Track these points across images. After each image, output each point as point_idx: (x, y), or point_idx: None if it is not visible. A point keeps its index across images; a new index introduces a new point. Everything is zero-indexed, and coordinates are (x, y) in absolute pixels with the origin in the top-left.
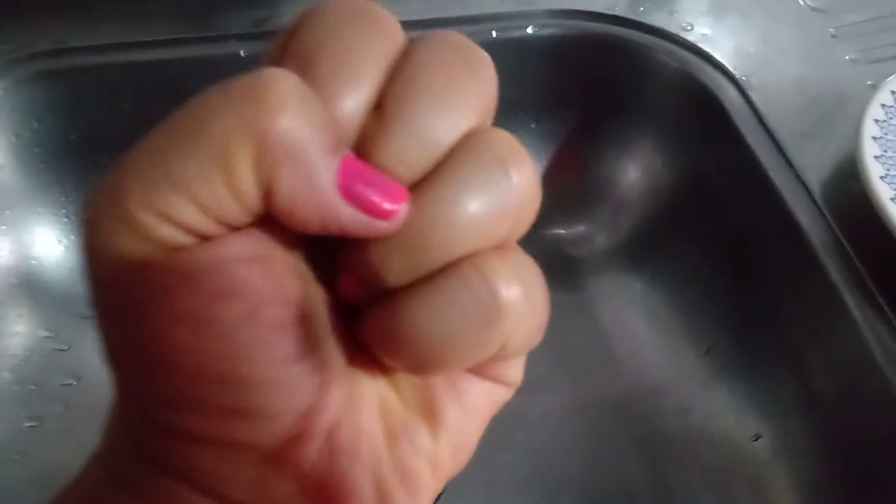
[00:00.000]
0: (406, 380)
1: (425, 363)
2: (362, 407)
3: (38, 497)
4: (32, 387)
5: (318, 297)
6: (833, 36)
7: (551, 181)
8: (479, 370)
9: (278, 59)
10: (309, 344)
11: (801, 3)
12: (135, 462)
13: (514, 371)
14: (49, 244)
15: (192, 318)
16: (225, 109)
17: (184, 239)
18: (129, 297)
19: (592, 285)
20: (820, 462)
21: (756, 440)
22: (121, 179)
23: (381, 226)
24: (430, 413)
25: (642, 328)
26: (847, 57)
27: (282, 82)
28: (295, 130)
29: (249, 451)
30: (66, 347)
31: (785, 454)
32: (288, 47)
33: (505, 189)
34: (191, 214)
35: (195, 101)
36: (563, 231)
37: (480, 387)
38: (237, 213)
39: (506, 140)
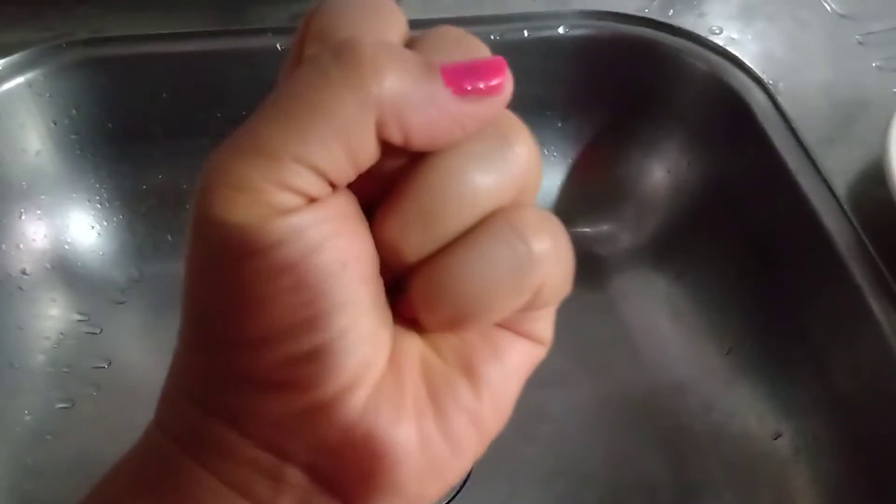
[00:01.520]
0: (445, 341)
1: (468, 314)
2: (405, 365)
3: (69, 476)
4: (65, 369)
5: None
6: (860, 43)
7: (577, 180)
8: (515, 326)
9: (298, 47)
10: (380, 298)
11: (829, 9)
12: (196, 419)
13: (546, 328)
14: (83, 229)
15: (296, 268)
16: (334, 90)
17: (295, 202)
18: (236, 253)
19: (617, 283)
20: (840, 461)
21: (776, 438)
22: (239, 153)
23: (501, 99)
24: (470, 371)
25: (666, 326)
26: (874, 64)
27: (367, 47)
28: (400, 80)
29: (310, 396)
30: (98, 331)
31: (805, 453)
32: (307, 29)
33: (508, 159)
34: (307, 180)
35: (295, 83)
36: (588, 229)
37: (517, 345)
38: (348, 172)
39: (505, 116)
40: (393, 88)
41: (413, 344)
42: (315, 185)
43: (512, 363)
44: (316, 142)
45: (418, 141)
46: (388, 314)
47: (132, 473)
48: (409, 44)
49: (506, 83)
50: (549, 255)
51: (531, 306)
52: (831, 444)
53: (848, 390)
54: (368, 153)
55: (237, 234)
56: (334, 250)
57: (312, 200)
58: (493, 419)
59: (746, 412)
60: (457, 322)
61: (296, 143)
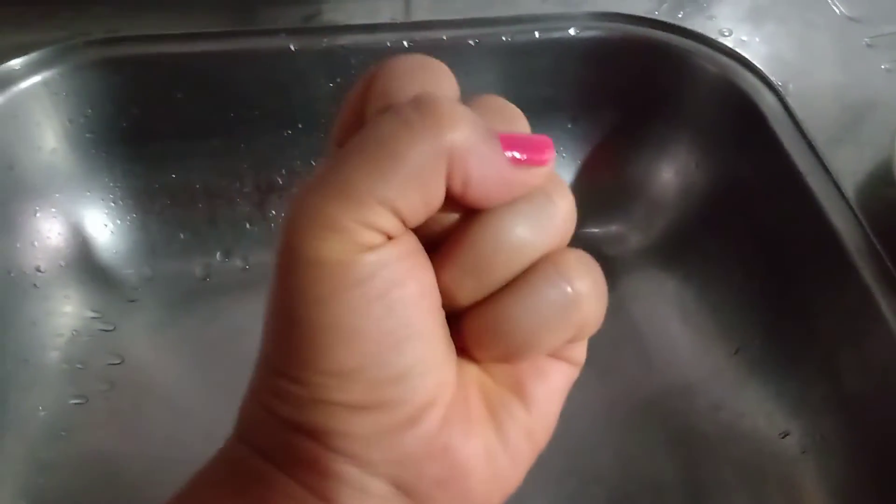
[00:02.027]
0: (497, 367)
1: (520, 350)
2: (468, 386)
3: (83, 471)
4: (79, 366)
5: None
6: (869, 45)
7: (587, 180)
8: (556, 352)
9: (360, 99)
10: (445, 325)
11: (838, 12)
12: (284, 436)
13: (581, 351)
14: (97, 227)
15: (385, 299)
16: (415, 137)
17: (378, 240)
18: (330, 288)
19: (626, 284)
20: (849, 460)
21: (784, 437)
22: (328, 196)
23: (545, 171)
24: (521, 391)
25: (674, 327)
26: (882, 66)
27: (446, 102)
28: (471, 135)
29: (396, 414)
30: (111, 328)
31: (814, 452)
32: (370, 92)
33: (551, 214)
34: (388, 221)
35: (378, 132)
36: (597, 230)
37: (557, 367)
38: (421, 214)
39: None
40: (464, 141)
41: (471, 370)
42: (393, 225)
43: (555, 383)
44: (397, 186)
45: (473, 194)
46: (451, 342)
47: (219, 484)
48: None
49: (551, 158)
50: (591, 293)
51: (574, 339)
52: (839, 443)
53: (856, 389)
54: (438, 198)
55: (329, 271)
56: (413, 282)
57: (390, 238)
58: (541, 432)
59: (755, 412)
60: (510, 356)
61: (380, 186)
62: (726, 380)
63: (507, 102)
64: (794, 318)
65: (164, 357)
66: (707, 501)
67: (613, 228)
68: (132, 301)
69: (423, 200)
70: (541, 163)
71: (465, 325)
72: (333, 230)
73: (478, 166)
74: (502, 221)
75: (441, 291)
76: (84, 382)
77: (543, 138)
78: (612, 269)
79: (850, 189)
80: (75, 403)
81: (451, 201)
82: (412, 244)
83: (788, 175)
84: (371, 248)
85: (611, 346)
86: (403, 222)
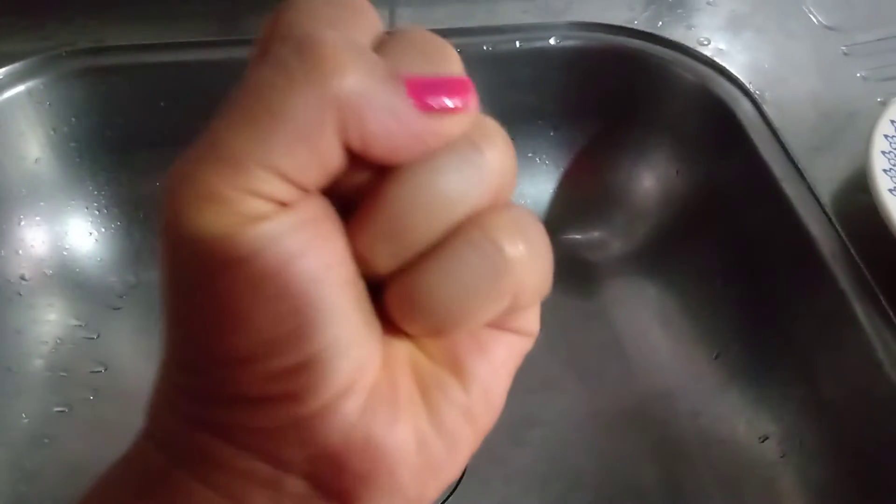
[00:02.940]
0: (432, 342)
1: (445, 324)
2: (395, 366)
3: (66, 479)
4: (62, 373)
5: None
6: (845, 54)
7: (569, 188)
8: (498, 323)
9: (266, 42)
10: (364, 301)
11: (815, 21)
12: (188, 434)
13: (532, 321)
14: (81, 236)
15: (278, 276)
16: (295, 88)
17: (266, 208)
18: (212, 266)
19: (607, 290)
20: (827, 464)
21: (764, 441)
22: (203, 162)
23: (464, 119)
24: (458, 368)
25: (655, 332)
26: (858, 74)
27: (331, 44)
28: (363, 81)
29: (306, 405)
30: (95, 336)
31: (793, 456)
32: (274, 29)
33: (478, 166)
34: (275, 186)
35: (257, 83)
36: (579, 236)
37: (502, 339)
38: (317, 176)
39: (477, 122)
40: (354, 89)
41: (401, 345)
42: (285, 191)
43: (498, 357)
44: (279, 145)
45: (377, 151)
46: (374, 317)
47: (124, 484)
48: (378, 44)
49: (470, 103)
50: (524, 257)
51: (511, 309)
52: (818, 446)
53: (833, 393)
54: (334, 157)
55: (210, 245)
56: (314, 255)
57: (284, 206)
58: (484, 414)
59: (734, 416)
60: (436, 331)
61: (258, 148)
62: (706, 385)
63: (433, 35)
64: (773, 324)
65: (148, 365)
66: None
67: (595, 235)
68: (116, 309)
69: (314, 161)
70: (456, 110)
71: (387, 297)
72: (211, 200)
73: (375, 117)
74: (418, 177)
75: (357, 259)
76: (68, 390)
77: (460, 79)
78: (594, 275)
79: (826, 196)
80: (59, 411)
81: (358, 158)
82: (315, 211)
83: (766, 182)
84: (258, 218)
85: (592, 351)
86: (298, 186)
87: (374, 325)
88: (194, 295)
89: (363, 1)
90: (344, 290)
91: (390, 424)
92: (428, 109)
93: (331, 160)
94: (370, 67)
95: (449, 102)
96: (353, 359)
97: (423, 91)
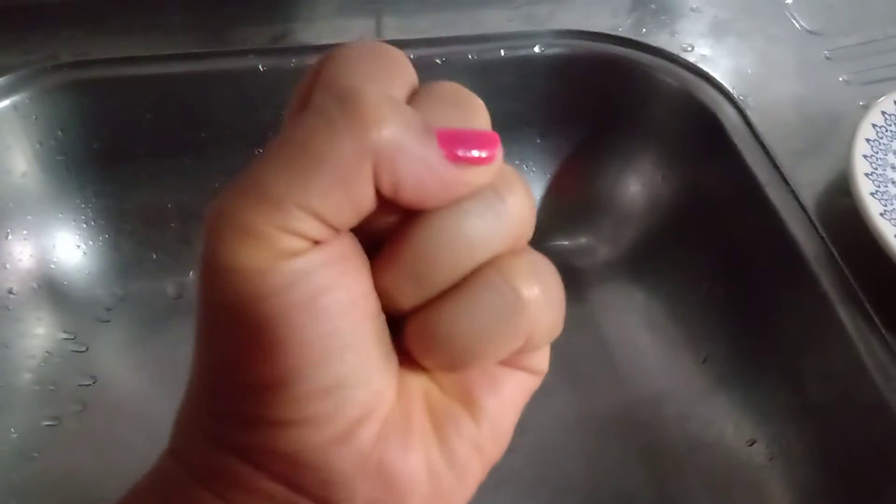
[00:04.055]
0: (447, 377)
1: (461, 360)
2: (410, 398)
3: (56, 492)
4: (51, 387)
5: None
6: (828, 58)
7: (555, 194)
8: (510, 361)
9: (307, 91)
10: (384, 334)
11: (798, 26)
12: (210, 453)
13: (542, 360)
14: (69, 249)
15: (307, 309)
16: (336, 137)
17: (300, 245)
18: (247, 296)
19: (595, 295)
20: (813, 466)
21: (751, 445)
22: (244, 199)
23: (490, 170)
24: (470, 403)
25: (642, 337)
26: (840, 78)
27: (371, 97)
28: (399, 133)
29: (324, 430)
30: (83, 349)
31: (780, 459)
32: (316, 80)
33: (500, 213)
34: (310, 225)
35: (300, 129)
36: (566, 242)
37: (513, 376)
38: (350, 217)
39: (501, 172)
40: (390, 140)
41: (417, 379)
42: (318, 230)
43: (509, 394)
44: (317, 188)
45: (406, 196)
46: (392, 350)
47: (148, 499)
48: (413, 95)
49: (496, 155)
50: (539, 300)
51: (524, 349)
52: (805, 449)
53: (819, 396)
54: (367, 201)
55: (246, 277)
56: (342, 290)
57: (317, 243)
58: (492, 447)
59: (722, 420)
60: (452, 366)
61: (298, 190)
62: (694, 389)
63: (463, 89)
64: (759, 327)
65: (137, 377)
66: None
67: (582, 241)
68: (105, 322)
69: (348, 204)
70: (483, 161)
71: (407, 331)
72: (250, 236)
73: (408, 167)
74: (444, 221)
75: (381, 296)
76: (56, 404)
77: (488, 133)
78: (581, 280)
79: (809, 199)
80: (48, 425)
81: (388, 202)
82: (344, 248)
83: (749, 186)
84: (292, 254)
85: (580, 357)
86: (330, 226)
87: (392, 358)
88: (228, 322)
89: (400, 55)
90: (367, 323)
91: (403, 453)
92: (457, 160)
93: (363, 203)
94: (405, 120)
95: (476, 154)
96: (371, 389)
97: (454, 143)
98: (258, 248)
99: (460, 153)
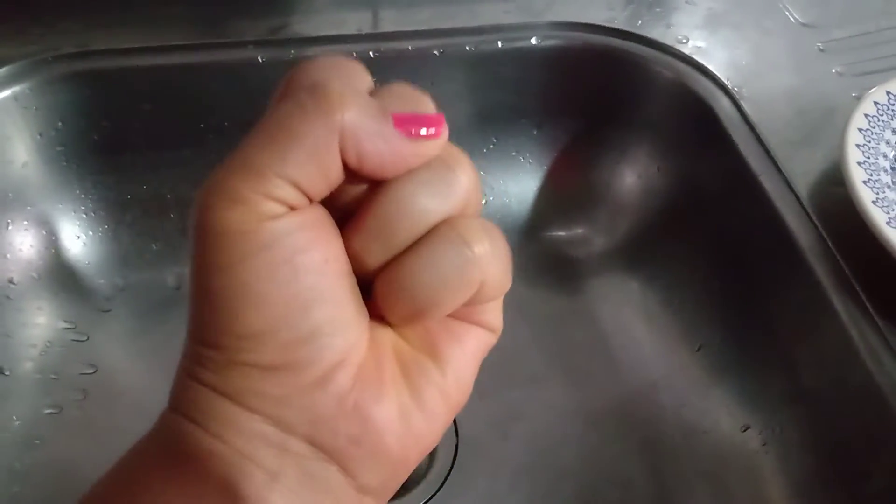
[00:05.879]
0: (412, 331)
1: (424, 308)
2: (381, 351)
3: (57, 479)
4: (53, 376)
5: None
6: (821, 50)
7: (552, 185)
8: (469, 317)
9: (282, 95)
10: (356, 291)
11: (791, 18)
12: (207, 399)
13: (496, 317)
14: (69, 239)
15: (287, 265)
16: (308, 118)
17: (279, 210)
18: (235, 254)
19: (590, 285)
20: (807, 451)
21: (745, 431)
22: (233, 171)
23: (437, 144)
24: (435, 353)
25: (638, 326)
26: (834, 70)
27: (336, 87)
28: (360, 114)
29: (307, 374)
30: (84, 338)
31: (773, 444)
32: (289, 84)
33: (449, 181)
34: (288, 192)
35: (278, 114)
36: (562, 233)
37: (473, 332)
38: (322, 186)
39: (450, 149)
40: (353, 119)
41: (385, 334)
42: (295, 197)
43: (469, 347)
44: (294, 161)
45: (369, 167)
46: (363, 306)
47: (145, 451)
48: (371, 92)
49: (442, 131)
50: (488, 252)
51: (477, 300)
52: (798, 435)
53: (812, 383)
54: (336, 172)
55: (234, 237)
56: (317, 251)
57: (294, 209)
58: (457, 394)
59: (717, 407)
60: (415, 315)
61: (277, 162)
62: (689, 377)
63: (411, 88)
64: (753, 315)
65: (138, 366)
66: (672, 494)
67: (578, 231)
68: (105, 311)
69: (320, 174)
70: (432, 137)
71: (376, 288)
72: (236, 201)
73: (369, 141)
74: (402, 189)
75: (351, 258)
76: (58, 392)
77: (434, 115)
78: (577, 271)
79: (802, 189)
80: (49, 413)
81: (354, 174)
82: (317, 215)
83: (744, 176)
84: (273, 217)
85: (576, 346)
86: (306, 195)
87: (364, 313)
88: (219, 278)
89: (359, 65)
90: (341, 280)
91: (377, 396)
92: (410, 135)
93: (333, 174)
94: (365, 104)
95: (425, 131)
96: (347, 337)
97: (406, 122)
98: (244, 212)
99: (413, 130)
